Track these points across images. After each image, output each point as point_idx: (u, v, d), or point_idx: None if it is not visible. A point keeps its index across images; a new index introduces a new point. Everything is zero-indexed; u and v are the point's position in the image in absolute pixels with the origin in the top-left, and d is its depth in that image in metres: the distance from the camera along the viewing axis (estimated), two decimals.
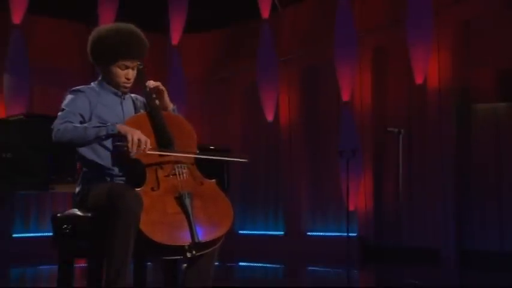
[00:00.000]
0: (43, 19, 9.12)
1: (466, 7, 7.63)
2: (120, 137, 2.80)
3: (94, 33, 3.04)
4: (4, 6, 8.20)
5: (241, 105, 10.32)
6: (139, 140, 2.74)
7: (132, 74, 3.05)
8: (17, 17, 8.22)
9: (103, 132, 2.79)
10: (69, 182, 3.90)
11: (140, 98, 3.22)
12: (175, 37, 9.46)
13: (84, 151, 2.96)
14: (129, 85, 3.08)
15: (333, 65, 8.37)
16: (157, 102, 3.07)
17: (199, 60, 10.41)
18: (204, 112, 10.22)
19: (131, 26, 3.06)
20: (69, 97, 2.99)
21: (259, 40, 9.17)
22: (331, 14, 8.47)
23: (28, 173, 4.04)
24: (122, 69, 3.02)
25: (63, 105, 2.95)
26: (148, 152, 2.79)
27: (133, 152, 2.74)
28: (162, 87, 3.07)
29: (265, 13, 9.05)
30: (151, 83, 3.06)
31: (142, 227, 2.66)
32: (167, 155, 2.89)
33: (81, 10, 8.99)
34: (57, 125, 2.84)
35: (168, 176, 2.87)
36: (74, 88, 3.04)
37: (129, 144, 2.72)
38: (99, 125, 2.84)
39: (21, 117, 4.12)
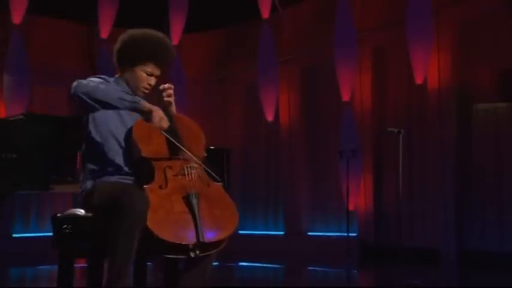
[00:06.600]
0: (43, 19, 9.12)
1: (466, 7, 7.63)
2: (142, 112, 2.84)
3: (125, 35, 3.05)
4: (4, 6, 8.20)
5: (241, 105, 10.32)
6: (161, 117, 2.83)
7: (154, 81, 3.07)
8: (16, 17, 8.23)
9: (128, 98, 2.81)
10: (69, 182, 3.89)
11: None
12: (175, 37, 9.46)
13: (97, 146, 2.95)
14: (147, 92, 3.08)
15: (333, 65, 8.37)
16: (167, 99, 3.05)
17: (199, 60, 10.41)
18: (204, 112, 10.21)
19: (162, 34, 3.09)
20: (96, 78, 2.96)
21: (259, 40, 9.17)
22: (331, 14, 8.47)
23: (28, 173, 4.03)
24: (147, 74, 3.03)
25: (88, 78, 2.95)
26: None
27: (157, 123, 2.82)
28: (171, 98, 3.03)
29: (265, 13, 9.05)
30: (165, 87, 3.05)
31: (149, 224, 2.67)
32: (179, 149, 2.92)
33: (81, 10, 9.00)
34: (80, 81, 2.85)
35: (176, 175, 2.89)
36: (99, 75, 3.03)
37: (154, 119, 2.80)
38: (129, 92, 2.88)
39: (21, 117, 4.09)
